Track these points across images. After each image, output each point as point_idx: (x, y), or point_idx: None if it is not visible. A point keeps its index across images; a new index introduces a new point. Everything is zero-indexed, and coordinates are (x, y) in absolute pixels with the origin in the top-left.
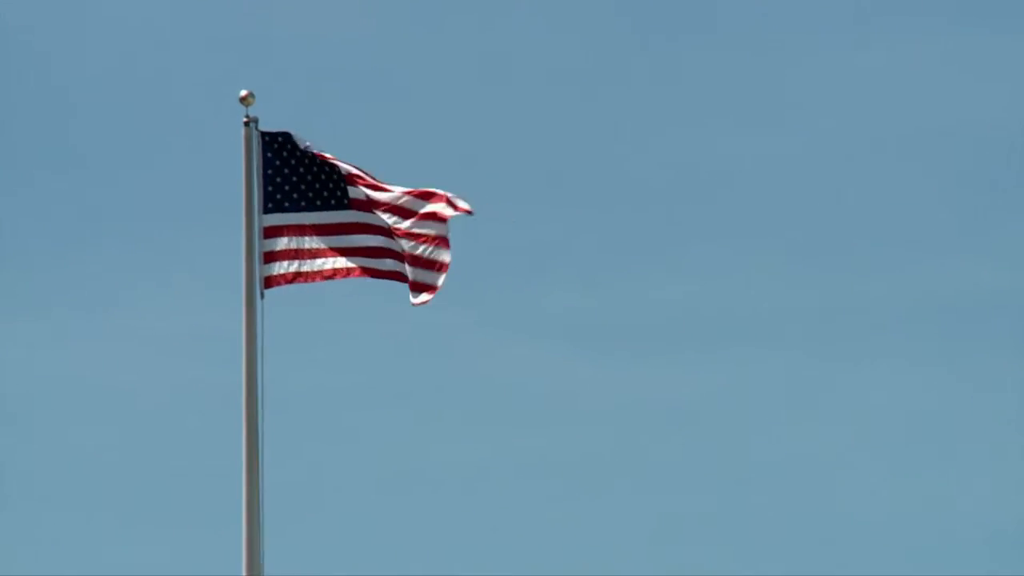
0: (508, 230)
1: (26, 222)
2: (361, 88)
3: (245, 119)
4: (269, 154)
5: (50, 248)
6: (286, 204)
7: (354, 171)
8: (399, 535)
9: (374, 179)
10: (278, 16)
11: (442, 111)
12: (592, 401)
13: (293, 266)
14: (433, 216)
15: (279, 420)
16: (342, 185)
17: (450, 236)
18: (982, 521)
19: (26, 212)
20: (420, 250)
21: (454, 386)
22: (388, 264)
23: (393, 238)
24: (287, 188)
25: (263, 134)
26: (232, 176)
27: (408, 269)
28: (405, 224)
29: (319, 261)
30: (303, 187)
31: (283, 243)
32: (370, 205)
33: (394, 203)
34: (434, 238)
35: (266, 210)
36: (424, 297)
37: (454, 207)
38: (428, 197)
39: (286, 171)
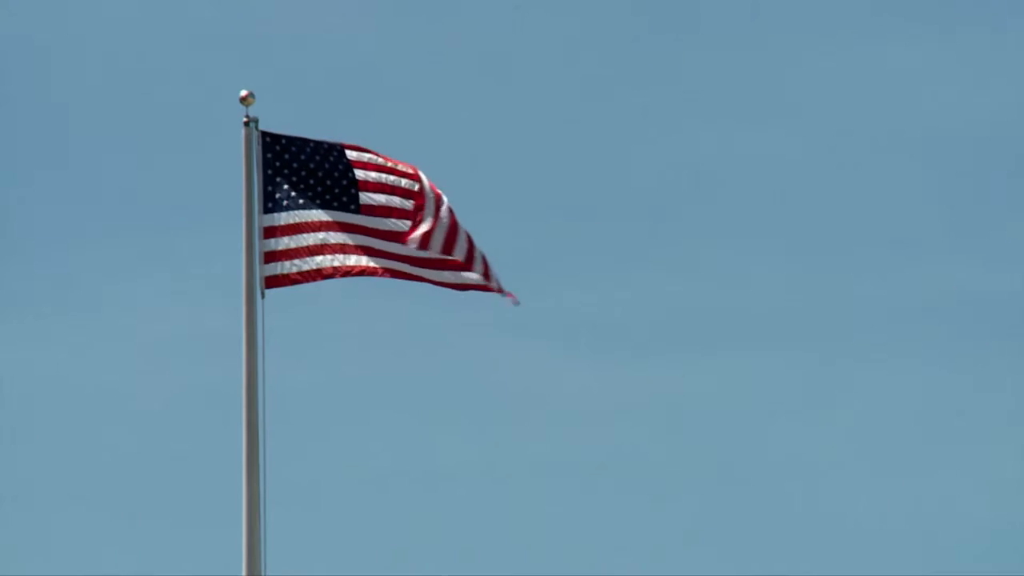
0: (508, 230)
1: (26, 222)
2: (361, 88)
3: (245, 119)
4: (269, 154)
5: (49, 248)
6: (286, 204)
7: (384, 179)
8: (399, 535)
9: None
10: (278, 16)
11: (442, 111)
12: (591, 401)
13: (294, 266)
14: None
15: (279, 420)
16: (351, 191)
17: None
18: (982, 521)
19: (26, 212)
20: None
21: (454, 386)
22: (394, 264)
23: (404, 243)
24: (287, 188)
25: (263, 134)
26: (232, 176)
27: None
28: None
29: (319, 259)
30: (303, 187)
31: (283, 243)
32: (388, 212)
33: (431, 258)
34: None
35: (266, 210)
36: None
37: (500, 291)
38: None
39: (286, 171)
